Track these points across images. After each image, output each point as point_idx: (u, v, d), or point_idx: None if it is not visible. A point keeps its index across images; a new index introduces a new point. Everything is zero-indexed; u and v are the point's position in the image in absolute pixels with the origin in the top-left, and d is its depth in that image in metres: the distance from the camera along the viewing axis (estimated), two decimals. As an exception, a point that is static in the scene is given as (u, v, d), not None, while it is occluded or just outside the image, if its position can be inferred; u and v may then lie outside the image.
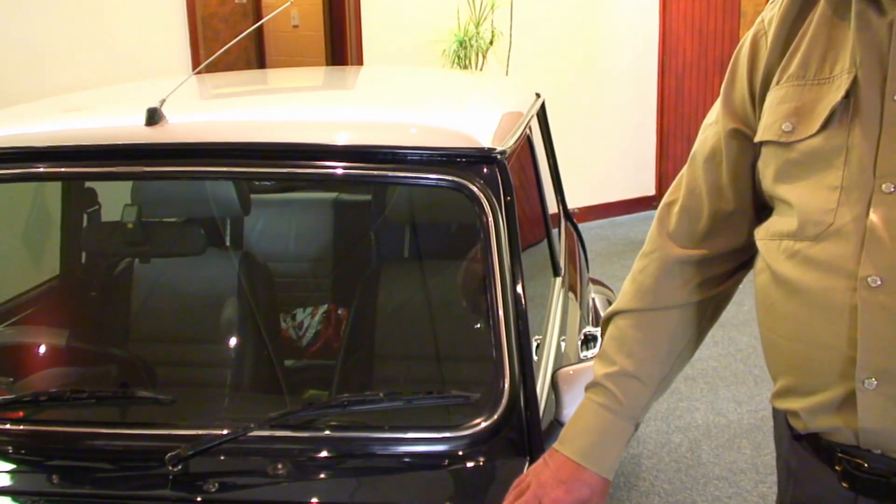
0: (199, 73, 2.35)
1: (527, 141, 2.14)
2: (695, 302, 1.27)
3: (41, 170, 1.72)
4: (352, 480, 1.48)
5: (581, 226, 3.12)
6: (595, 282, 3.06)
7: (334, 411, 1.50)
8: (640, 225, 6.10)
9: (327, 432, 1.48)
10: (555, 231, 2.43)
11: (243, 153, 1.65)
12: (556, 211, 2.72)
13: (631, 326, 1.28)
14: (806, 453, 1.15)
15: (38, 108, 2.04)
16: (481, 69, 5.32)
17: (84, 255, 2.45)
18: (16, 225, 2.39)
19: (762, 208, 1.19)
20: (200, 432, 1.43)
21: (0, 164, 1.69)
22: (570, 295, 2.36)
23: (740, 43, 1.20)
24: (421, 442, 1.45)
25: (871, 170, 1.01)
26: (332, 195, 2.77)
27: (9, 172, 1.70)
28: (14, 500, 1.42)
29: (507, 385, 1.46)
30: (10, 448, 1.50)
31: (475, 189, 1.55)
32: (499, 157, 1.60)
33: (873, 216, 1.01)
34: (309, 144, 1.65)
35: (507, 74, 5.42)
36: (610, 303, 2.55)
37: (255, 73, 4.15)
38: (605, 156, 6.30)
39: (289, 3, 2.75)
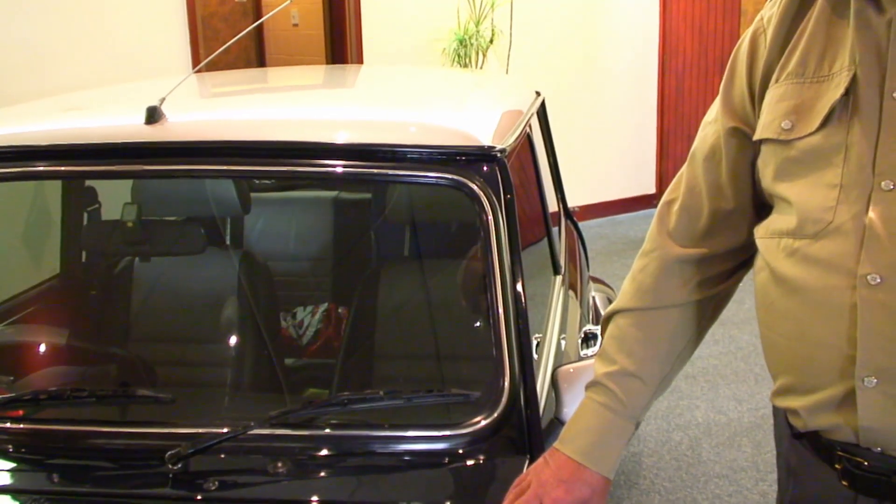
0: (198, 71, 2.35)
1: (527, 139, 2.14)
2: (695, 301, 1.27)
3: (41, 168, 1.72)
4: (352, 479, 1.47)
5: (581, 224, 3.12)
6: (595, 280, 3.06)
7: (334, 410, 1.50)
8: (640, 223, 6.10)
9: (327, 431, 1.48)
10: (555, 229, 2.43)
11: (243, 152, 1.65)
12: (556, 209, 2.72)
13: (631, 325, 1.28)
14: (806, 452, 1.15)
15: (37, 107, 2.04)
16: (481, 68, 5.32)
17: (84, 253, 2.45)
18: (16, 224, 2.39)
19: (762, 207, 1.19)
20: (200, 431, 1.43)
21: (0, 163, 1.69)
22: (571, 293, 2.36)
23: (739, 41, 1.20)
24: (421, 440, 1.45)
25: (870, 167, 1.01)
26: (332, 194, 2.77)
27: (9, 171, 1.70)
28: (14, 498, 1.42)
29: (507, 383, 1.46)
30: (10, 447, 1.50)
31: (475, 187, 1.55)
32: (499, 155, 1.60)
33: (872, 214, 1.01)
34: (309, 143, 1.64)
35: (507, 73, 5.42)
36: (610, 301, 2.55)
37: (254, 72, 4.15)
38: (605, 155, 6.29)
39: (288, 1, 2.75)
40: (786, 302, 1.09)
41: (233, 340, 2.07)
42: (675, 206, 1.27)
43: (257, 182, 2.76)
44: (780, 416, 1.22)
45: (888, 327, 1.00)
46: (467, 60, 5.29)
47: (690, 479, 3.04)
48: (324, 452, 1.45)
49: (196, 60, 4.62)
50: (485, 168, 1.57)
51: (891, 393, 1.01)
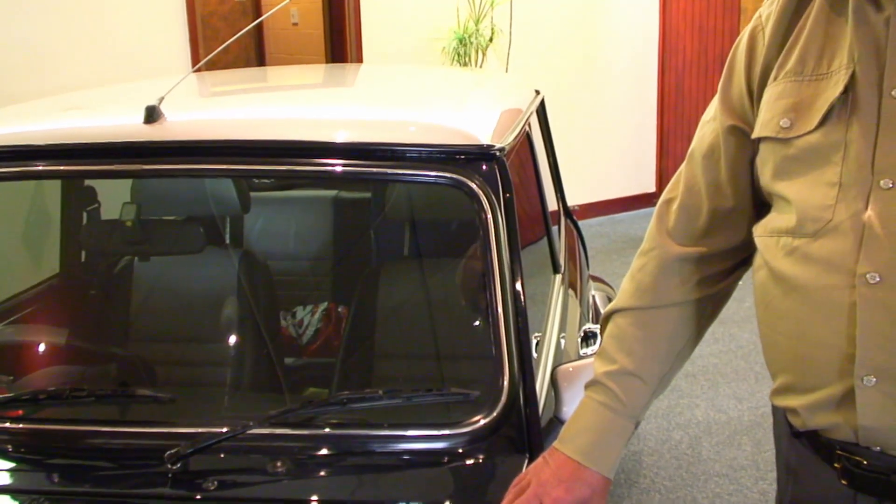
0: (198, 70, 2.35)
1: (526, 138, 2.14)
2: (694, 300, 1.27)
3: (40, 168, 1.72)
4: (351, 478, 1.47)
5: (581, 223, 3.12)
6: (595, 279, 3.06)
7: (334, 409, 1.50)
8: (639, 222, 6.10)
9: (327, 430, 1.48)
10: (555, 228, 2.43)
11: (242, 151, 1.64)
12: (555, 208, 2.71)
13: (630, 325, 1.28)
14: (805, 450, 1.15)
15: (37, 107, 2.04)
16: (481, 66, 5.32)
17: (84, 253, 2.45)
18: (15, 223, 2.39)
19: (761, 205, 1.19)
20: (200, 430, 1.43)
21: (0, 163, 1.69)
22: (570, 292, 2.36)
23: (738, 39, 1.20)
24: (420, 439, 1.45)
25: (869, 166, 1.01)
26: (332, 193, 2.77)
27: (8, 171, 1.70)
28: (14, 498, 1.42)
29: (506, 382, 1.46)
30: (9, 446, 1.50)
31: (474, 186, 1.54)
32: (498, 153, 1.60)
33: (871, 212, 1.01)
34: (308, 142, 1.64)
35: (506, 72, 5.42)
36: (610, 300, 2.54)
37: (254, 71, 4.15)
38: (605, 153, 6.29)
39: (287, 0, 2.75)
40: (785, 301, 1.09)
41: (232, 340, 2.07)
42: (674, 205, 1.26)
43: (257, 181, 2.76)
44: (780, 414, 1.22)
45: (887, 326, 1.00)
46: (467, 59, 5.29)
47: (690, 478, 3.04)
48: (323, 452, 1.45)
49: (196, 60, 4.61)
50: (484, 167, 1.57)
51: (890, 392, 1.01)
